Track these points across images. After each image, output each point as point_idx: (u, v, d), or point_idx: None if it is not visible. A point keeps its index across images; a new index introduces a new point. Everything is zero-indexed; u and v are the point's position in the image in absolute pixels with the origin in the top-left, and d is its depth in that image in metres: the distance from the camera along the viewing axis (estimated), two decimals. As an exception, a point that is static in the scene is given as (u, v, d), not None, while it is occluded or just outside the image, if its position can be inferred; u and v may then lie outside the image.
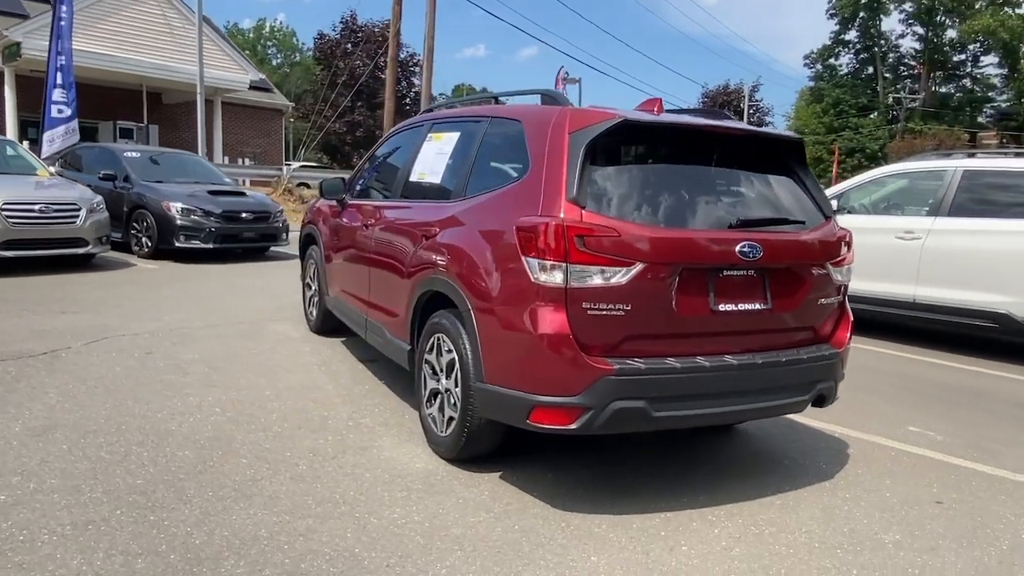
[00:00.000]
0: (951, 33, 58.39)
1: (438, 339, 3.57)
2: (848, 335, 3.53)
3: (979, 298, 6.44)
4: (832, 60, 63.52)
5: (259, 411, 4.09)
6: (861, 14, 58.96)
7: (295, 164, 20.91)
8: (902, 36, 60.13)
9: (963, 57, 59.91)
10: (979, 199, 6.73)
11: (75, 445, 3.45)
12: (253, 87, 24.11)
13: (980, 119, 58.80)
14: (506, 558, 2.70)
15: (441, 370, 3.57)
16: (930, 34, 58.95)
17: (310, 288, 6.10)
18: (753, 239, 3.10)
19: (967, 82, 60.90)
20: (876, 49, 61.39)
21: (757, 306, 3.19)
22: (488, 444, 3.41)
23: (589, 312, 2.87)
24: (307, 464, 3.42)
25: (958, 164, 6.95)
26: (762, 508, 3.28)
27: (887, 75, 61.84)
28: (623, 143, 3.03)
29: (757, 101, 42.79)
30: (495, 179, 3.50)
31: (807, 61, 65.16)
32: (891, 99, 58.84)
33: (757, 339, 3.23)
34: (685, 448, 3.98)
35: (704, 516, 3.16)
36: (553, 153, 3.04)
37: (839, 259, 3.44)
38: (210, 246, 9.79)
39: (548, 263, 2.85)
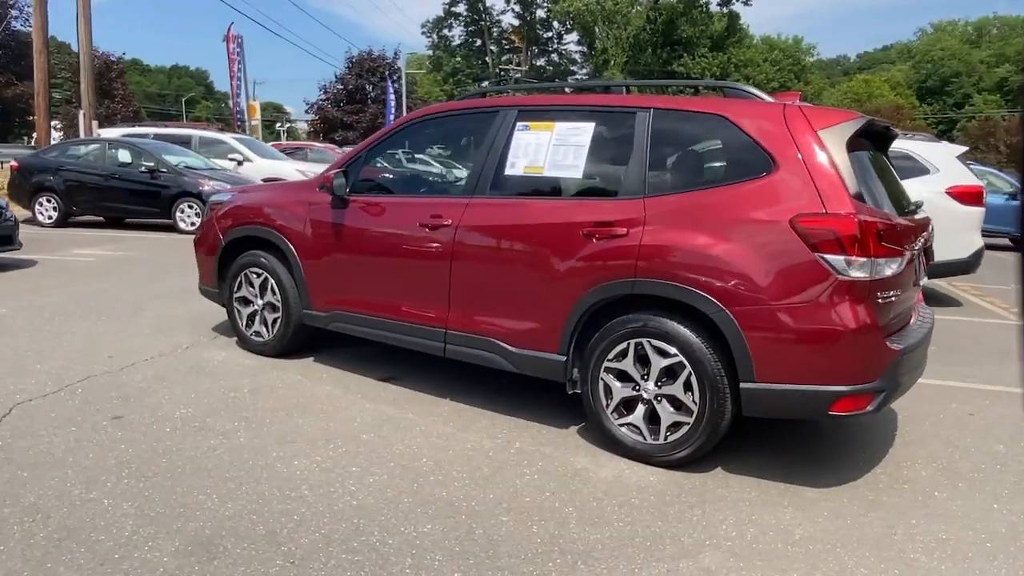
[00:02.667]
0: (541, 13, 66.80)
1: (638, 344, 3.42)
2: None
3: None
4: (446, 31, 68.10)
5: (395, 467, 3.39)
6: (469, -13, 63.84)
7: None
8: (504, 12, 66.70)
9: (551, 34, 69.12)
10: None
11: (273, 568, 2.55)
12: None
13: (567, 90, 68.91)
14: (848, 548, 2.79)
15: (644, 376, 3.43)
16: (526, 12, 66.62)
17: (248, 304, 4.98)
18: (922, 222, 3.64)
19: (555, 56, 70.55)
20: (483, 23, 67.30)
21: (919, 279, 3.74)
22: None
23: (880, 302, 3.09)
24: (570, 507, 3.04)
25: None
26: (879, 453, 3.74)
27: (493, 48, 68.36)
28: (858, 140, 3.26)
29: (399, 69, 43.84)
30: (702, 175, 3.44)
31: (424, 30, 68.81)
32: (499, 70, 65.13)
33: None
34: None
35: (855, 470, 3.50)
36: (810, 150, 3.13)
37: None
38: (-76, 258, 7.04)
39: (855, 259, 2.98)
